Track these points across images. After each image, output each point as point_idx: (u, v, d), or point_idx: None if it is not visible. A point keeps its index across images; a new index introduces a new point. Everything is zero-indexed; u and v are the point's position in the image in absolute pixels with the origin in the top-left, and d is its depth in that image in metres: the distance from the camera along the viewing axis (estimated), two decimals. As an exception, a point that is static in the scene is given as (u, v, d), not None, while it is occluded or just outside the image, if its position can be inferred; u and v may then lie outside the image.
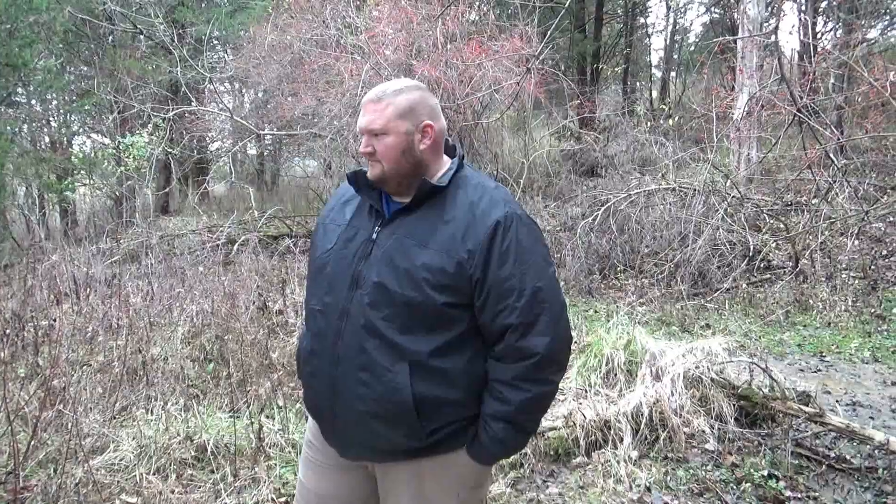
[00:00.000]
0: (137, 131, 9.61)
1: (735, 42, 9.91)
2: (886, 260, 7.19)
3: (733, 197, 7.60)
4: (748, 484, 3.19)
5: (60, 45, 12.68)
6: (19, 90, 13.05)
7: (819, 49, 8.99)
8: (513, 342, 1.61)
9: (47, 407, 3.10)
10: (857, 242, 7.22)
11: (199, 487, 3.07)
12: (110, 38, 12.93)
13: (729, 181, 7.96)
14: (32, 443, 2.92)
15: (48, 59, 12.30)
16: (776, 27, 8.84)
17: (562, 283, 7.22)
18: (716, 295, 6.65)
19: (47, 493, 2.74)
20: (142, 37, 12.60)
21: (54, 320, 4.79)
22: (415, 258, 1.60)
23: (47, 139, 14.52)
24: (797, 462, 3.35)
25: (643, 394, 3.62)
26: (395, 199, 1.73)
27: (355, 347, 1.63)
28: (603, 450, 3.44)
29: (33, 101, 13.88)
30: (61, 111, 14.34)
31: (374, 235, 1.68)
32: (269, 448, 3.35)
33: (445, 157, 1.77)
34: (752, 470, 3.29)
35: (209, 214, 10.72)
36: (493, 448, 1.67)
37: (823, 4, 14.42)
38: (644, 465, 3.34)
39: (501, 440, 1.65)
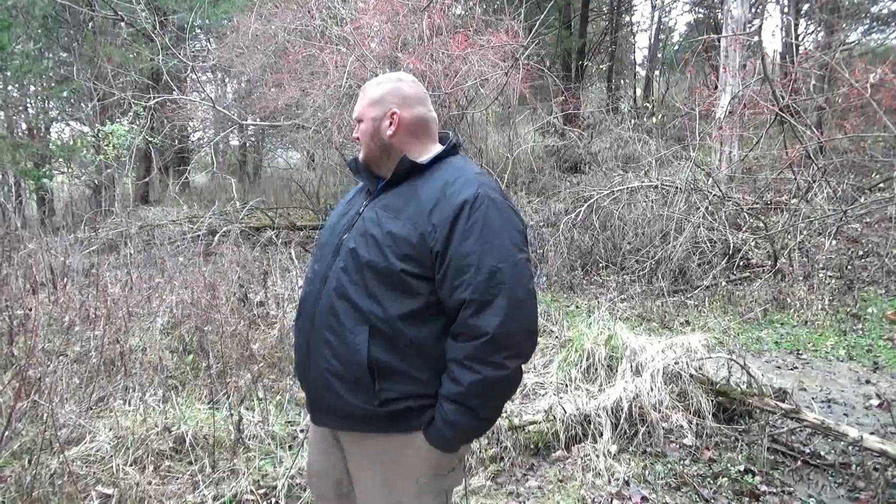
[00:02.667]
0: (117, 119, 9.45)
1: (719, 41, 9.98)
2: (862, 260, 7.29)
3: (714, 195, 7.66)
4: (725, 479, 3.23)
5: (39, 30, 12.45)
6: (-5, 75, 12.80)
7: (801, 50, 9.07)
8: (466, 318, 1.62)
9: (22, 397, 3.04)
10: (834, 242, 7.32)
11: (177, 479, 3.04)
12: (90, 24, 12.69)
13: (711, 179, 8.02)
14: (6, 433, 2.88)
15: (26, 43, 12.08)
16: (760, 27, 8.92)
17: (544, 279, 7.24)
18: (696, 292, 6.71)
19: (21, 484, 2.70)
20: (123, 23, 12.36)
21: (30, 310, 4.71)
22: (384, 226, 1.71)
23: (24, 125, 14.27)
24: (773, 457, 3.40)
25: (623, 389, 3.65)
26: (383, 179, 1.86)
27: (327, 309, 1.74)
28: (582, 444, 3.46)
29: (10, 87, 13.63)
30: (39, 97, 14.09)
31: (362, 210, 1.82)
32: (249, 440, 3.33)
33: (438, 146, 1.87)
34: (728, 465, 3.33)
35: (190, 205, 10.61)
36: (444, 430, 1.67)
37: (806, 6, 14.58)
38: (623, 460, 3.37)
39: (452, 423, 1.65)
